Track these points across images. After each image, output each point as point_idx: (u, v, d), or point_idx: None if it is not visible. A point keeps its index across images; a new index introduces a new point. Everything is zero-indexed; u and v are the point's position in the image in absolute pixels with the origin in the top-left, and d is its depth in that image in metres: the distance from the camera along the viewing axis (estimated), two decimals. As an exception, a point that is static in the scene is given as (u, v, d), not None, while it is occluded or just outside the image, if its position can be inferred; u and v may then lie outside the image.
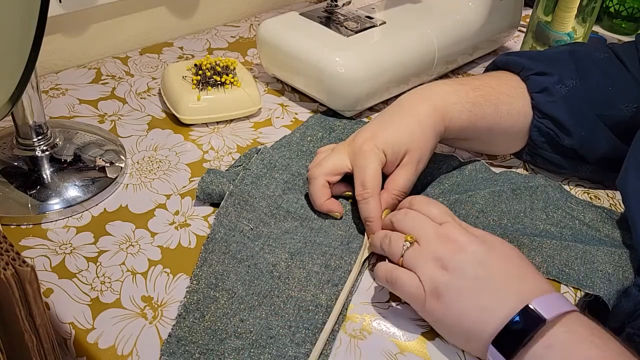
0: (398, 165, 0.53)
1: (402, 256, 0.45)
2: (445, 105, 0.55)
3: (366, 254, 0.50)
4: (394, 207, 0.52)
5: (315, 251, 0.50)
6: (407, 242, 0.45)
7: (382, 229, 0.50)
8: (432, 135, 0.54)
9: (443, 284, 0.42)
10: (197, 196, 0.54)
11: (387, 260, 0.47)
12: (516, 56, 0.62)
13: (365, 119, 0.69)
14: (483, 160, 0.62)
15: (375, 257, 0.51)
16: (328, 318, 0.45)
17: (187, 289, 0.46)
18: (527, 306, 0.39)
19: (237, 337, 0.43)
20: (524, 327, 0.39)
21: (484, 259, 0.43)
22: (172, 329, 0.43)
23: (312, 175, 0.53)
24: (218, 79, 0.65)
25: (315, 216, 0.54)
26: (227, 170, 0.58)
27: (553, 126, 0.58)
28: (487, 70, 0.65)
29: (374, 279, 0.49)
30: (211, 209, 0.55)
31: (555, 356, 0.38)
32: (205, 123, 0.66)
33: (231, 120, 0.67)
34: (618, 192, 0.61)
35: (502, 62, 0.62)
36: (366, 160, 0.51)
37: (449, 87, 0.57)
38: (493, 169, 0.62)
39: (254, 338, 0.43)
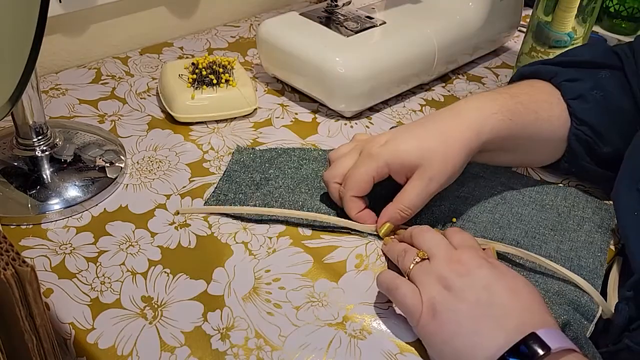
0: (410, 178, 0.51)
1: (410, 269, 0.45)
2: (483, 118, 0.51)
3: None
4: (397, 222, 0.51)
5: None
6: (418, 257, 0.46)
7: (401, 242, 0.50)
8: (458, 153, 0.50)
9: (442, 302, 0.42)
10: (205, 201, 0.55)
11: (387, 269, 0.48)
12: (544, 65, 0.59)
13: (366, 120, 0.69)
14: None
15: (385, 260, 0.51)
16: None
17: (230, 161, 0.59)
18: (533, 333, 0.38)
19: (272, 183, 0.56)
20: (529, 353, 0.37)
21: (490, 284, 0.42)
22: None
23: (325, 180, 0.54)
24: (214, 78, 0.65)
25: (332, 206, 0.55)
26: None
27: (591, 133, 0.55)
28: (512, 80, 0.62)
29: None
30: (211, 209, 0.55)
31: None
32: (205, 123, 0.66)
33: (231, 120, 0.67)
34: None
35: (529, 71, 0.60)
36: (363, 163, 0.51)
37: (486, 96, 0.54)
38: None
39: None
